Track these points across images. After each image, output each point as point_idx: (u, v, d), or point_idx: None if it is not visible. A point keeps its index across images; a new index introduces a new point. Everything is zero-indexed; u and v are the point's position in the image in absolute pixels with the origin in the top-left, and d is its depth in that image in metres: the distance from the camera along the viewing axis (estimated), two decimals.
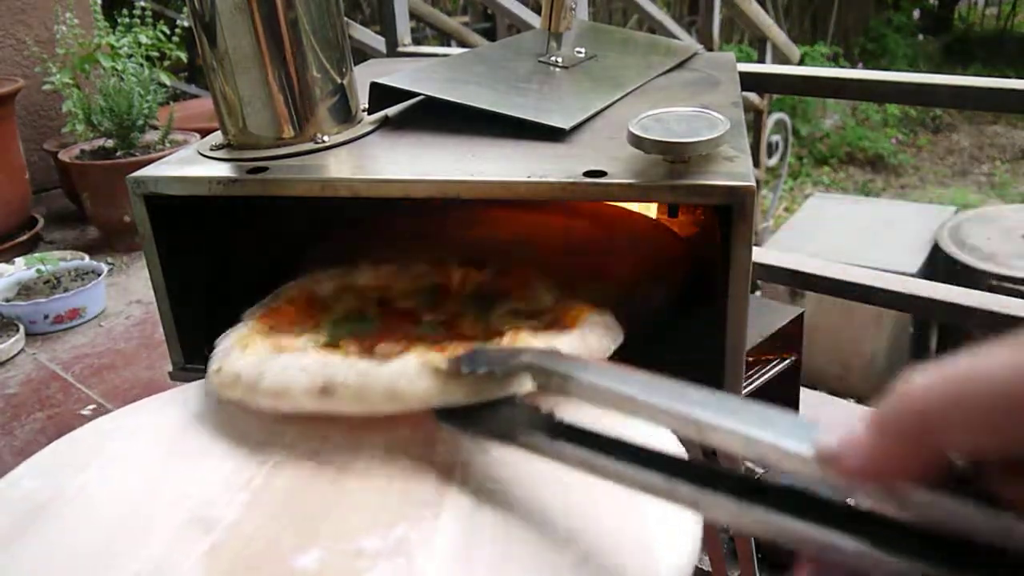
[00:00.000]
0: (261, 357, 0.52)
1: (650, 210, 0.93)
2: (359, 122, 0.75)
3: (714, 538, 0.88)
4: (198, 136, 2.00)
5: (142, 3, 1.92)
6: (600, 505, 0.42)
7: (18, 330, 1.49)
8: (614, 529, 0.41)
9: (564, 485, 0.44)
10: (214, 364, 0.55)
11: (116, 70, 1.83)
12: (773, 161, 3.29)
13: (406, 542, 0.41)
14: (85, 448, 0.53)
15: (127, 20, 1.90)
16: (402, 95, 0.76)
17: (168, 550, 0.42)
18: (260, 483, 0.48)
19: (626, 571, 0.38)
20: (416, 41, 1.44)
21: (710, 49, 1.26)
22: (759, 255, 1.32)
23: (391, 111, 0.77)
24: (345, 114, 0.73)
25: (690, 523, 0.41)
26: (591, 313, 0.59)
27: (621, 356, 0.58)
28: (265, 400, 0.50)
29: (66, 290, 1.58)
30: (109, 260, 1.81)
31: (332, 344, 0.58)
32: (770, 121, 3.09)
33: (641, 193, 0.58)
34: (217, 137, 0.73)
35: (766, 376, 0.92)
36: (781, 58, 2.97)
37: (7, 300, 1.56)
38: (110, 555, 0.42)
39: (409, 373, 0.47)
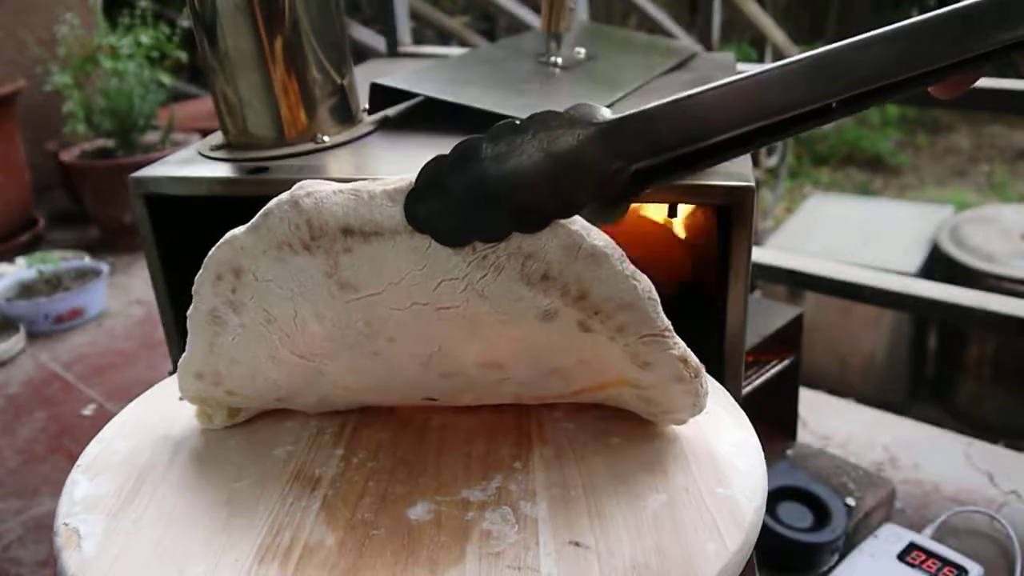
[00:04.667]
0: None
1: (650, 210, 0.93)
2: (359, 122, 0.75)
3: None
4: (198, 136, 2.00)
5: (142, 3, 1.92)
6: (664, 456, 0.45)
7: (19, 330, 1.50)
8: (687, 484, 0.43)
9: (627, 437, 0.46)
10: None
11: (117, 70, 1.83)
12: (773, 161, 3.30)
13: (506, 492, 0.43)
14: (160, 411, 0.52)
15: (127, 20, 1.90)
16: (402, 96, 0.76)
17: (283, 511, 0.42)
18: (349, 439, 0.48)
19: (705, 523, 0.40)
20: (416, 41, 1.44)
21: (710, 49, 1.27)
22: (758, 255, 1.33)
23: (391, 111, 0.77)
24: (345, 114, 0.74)
25: (760, 475, 0.43)
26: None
27: None
28: None
29: (67, 290, 1.58)
30: (110, 260, 1.81)
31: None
32: None
33: None
34: (217, 137, 0.74)
35: (765, 376, 0.92)
36: (780, 58, 2.98)
37: (8, 300, 1.56)
38: (228, 518, 0.42)
39: None
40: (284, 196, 0.40)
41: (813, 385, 1.30)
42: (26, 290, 1.60)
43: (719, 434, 0.47)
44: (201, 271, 0.43)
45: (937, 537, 0.89)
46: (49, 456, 1.18)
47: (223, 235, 0.42)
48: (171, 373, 0.74)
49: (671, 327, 0.41)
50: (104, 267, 1.66)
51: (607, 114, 0.38)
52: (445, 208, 0.39)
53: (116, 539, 0.41)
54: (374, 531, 0.41)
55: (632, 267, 0.39)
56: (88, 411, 1.28)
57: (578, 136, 0.38)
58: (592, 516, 0.40)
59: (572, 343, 0.41)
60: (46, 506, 1.07)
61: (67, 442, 1.21)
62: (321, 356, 0.44)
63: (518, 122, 0.39)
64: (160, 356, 1.42)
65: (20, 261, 1.69)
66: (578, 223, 0.39)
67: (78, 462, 0.48)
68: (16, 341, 1.48)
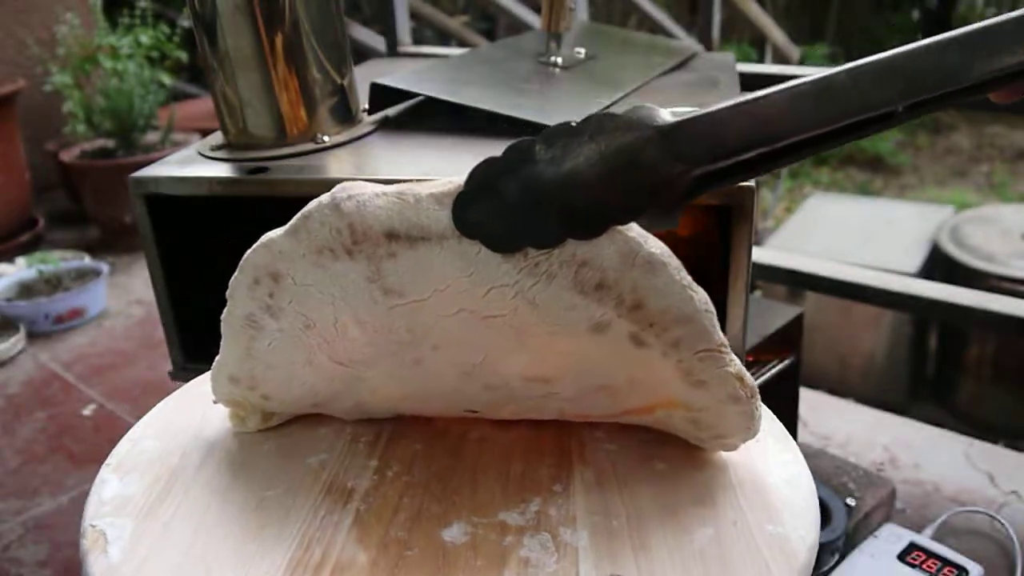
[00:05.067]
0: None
1: None
2: (359, 122, 0.75)
3: None
4: (198, 136, 2.00)
5: (142, 3, 1.92)
6: (712, 488, 0.43)
7: (19, 330, 1.50)
8: (735, 516, 0.41)
9: (673, 463, 0.44)
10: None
11: (117, 71, 1.83)
12: None
13: (546, 517, 0.41)
14: (191, 410, 0.51)
15: (127, 20, 1.90)
16: (402, 95, 0.76)
17: (315, 524, 0.41)
18: (384, 449, 0.47)
19: (755, 562, 0.38)
20: (416, 41, 1.44)
21: (710, 49, 1.27)
22: (759, 255, 1.33)
23: (391, 111, 0.77)
24: (345, 114, 0.74)
25: (813, 512, 0.41)
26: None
27: None
28: None
29: (67, 290, 1.58)
30: (110, 260, 1.81)
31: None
32: None
33: None
34: (217, 137, 0.74)
35: (766, 376, 0.92)
36: (780, 58, 2.98)
37: (8, 300, 1.56)
38: (258, 528, 0.41)
39: None
40: (324, 198, 0.39)
41: (813, 385, 1.30)
42: (26, 290, 1.60)
43: (769, 464, 0.44)
44: (237, 274, 0.41)
45: (937, 537, 0.89)
46: (49, 456, 1.18)
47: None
48: (171, 373, 0.74)
49: (727, 343, 0.39)
50: (104, 267, 1.66)
51: (667, 116, 0.37)
52: (496, 213, 0.37)
53: (144, 542, 0.40)
54: (407, 551, 0.39)
55: (689, 278, 0.38)
56: (88, 411, 1.27)
57: (638, 139, 0.37)
58: (636, 547, 0.39)
59: (623, 358, 0.40)
60: (46, 506, 1.07)
61: (67, 442, 1.21)
62: (361, 363, 0.43)
63: (574, 124, 0.38)
64: (160, 356, 1.42)
65: (20, 261, 1.69)
66: (635, 230, 0.37)
67: (107, 460, 0.47)
68: (16, 341, 1.48)
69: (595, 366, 0.41)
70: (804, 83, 0.36)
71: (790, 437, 0.47)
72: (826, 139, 0.37)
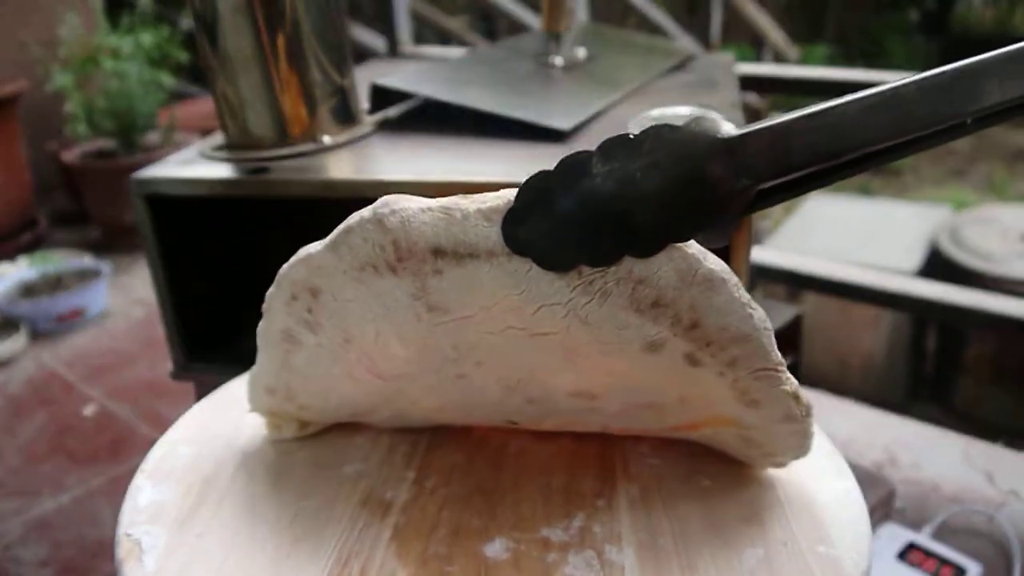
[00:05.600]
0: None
1: None
2: (360, 123, 0.76)
3: None
4: (199, 136, 2.01)
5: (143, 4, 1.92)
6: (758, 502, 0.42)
7: (20, 330, 1.50)
8: (785, 535, 0.39)
9: (719, 480, 0.43)
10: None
11: (118, 71, 1.83)
12: None
13: (590, 533, 0.40)
14: (225, 415, 0.50)
15: (128, 21, 1.91)
16: (403, 96, 0.76)
17: (352, 537, 0.40)
18: (422, 460, 0.46)
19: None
20: (416, 41, 1.44)
21: (709, 49, 1.27)
22: (758, 255, 1.33)
23: (392, 112, 0.78)
24: (346, 115, 0.74)
25: (865, 533, 0.39)
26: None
27: None
28: None
29: (68, 290, 1.59)
30: (111, 260, 1.81)
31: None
32: None
33: None
34: (218, 138, 0.74)
35: None
36: (779, 58, 2.98)
37: (10, 300, 1.57)
38: (295, 541, 0.40)
39: None
40: (366, 213, 0.37)
41: (813, 385, 1.30)
42: (28, 290, 1.61)
43: (818, 482, 0.43)
44: (273, 288, 0.40)
45: (936, 536, 0.89)
46: (50, 456, 1.18)
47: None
48: (171, 373, 0.74)
49: (784, 362, 0.38)
50: (105, 267, 1.67)
51: (731, 128, 0.35)
52: (549, 229, 0.35)
53: (179, 553, 0.39)
54: (448, 567, 0.38)
55: (748, 295, 0.36)
56: (89, 411, 1.28)
57: (701, 152, 0.35)
58: (683, 567, 0.37)
59: (674, 378, 0.38)
60: (47, 506, 1.07)
61: (68, 442, 1.21)
62: (401, 377, 0.42)
63: (632, 136, 0.36)
64: (161, 356, 1.42)
65: (22, 261, 1.70)
66: (693, 246, 0.36)
67: (142, 466, 0.46)
68: (17, 341, 1.48)
69: (645, 384, 0.40)
70: (872, 95, 0.35)
71: (839, 453, 0.46)
72: (893, 151, 0.36)
